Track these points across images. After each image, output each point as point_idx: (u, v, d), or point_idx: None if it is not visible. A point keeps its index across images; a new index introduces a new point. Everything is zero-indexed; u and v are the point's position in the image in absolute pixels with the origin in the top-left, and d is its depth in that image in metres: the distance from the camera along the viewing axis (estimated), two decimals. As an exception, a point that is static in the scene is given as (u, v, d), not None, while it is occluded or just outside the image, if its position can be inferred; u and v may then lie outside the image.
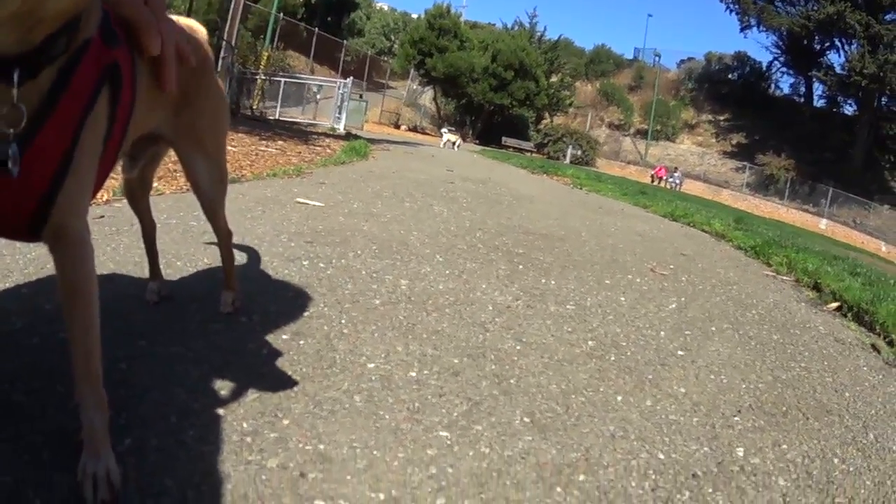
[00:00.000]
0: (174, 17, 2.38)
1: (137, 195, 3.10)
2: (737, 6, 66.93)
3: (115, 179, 4.88)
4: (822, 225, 50.97)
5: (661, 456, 2.52)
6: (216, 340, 2.88)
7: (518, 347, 3.46)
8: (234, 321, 3.12)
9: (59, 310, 2.68)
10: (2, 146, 1.53)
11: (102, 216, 4.64)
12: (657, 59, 78.37)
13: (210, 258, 4.04)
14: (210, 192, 2.86)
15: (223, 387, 2.47)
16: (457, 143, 35.22)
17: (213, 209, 2.96)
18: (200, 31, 2.73)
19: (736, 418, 3.00)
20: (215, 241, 3.16)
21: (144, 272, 3.44)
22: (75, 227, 1.79)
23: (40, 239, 1.78)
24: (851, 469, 2.70)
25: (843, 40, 60.70)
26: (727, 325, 4.59)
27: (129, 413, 2.16)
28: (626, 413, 2.86)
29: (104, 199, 5.16)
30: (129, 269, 3.68)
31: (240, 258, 4.03)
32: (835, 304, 5.93)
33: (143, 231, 3.20)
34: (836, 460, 2.75)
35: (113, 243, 4.07)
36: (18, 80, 1.50)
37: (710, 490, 2.33)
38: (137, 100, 1.99)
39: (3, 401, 2.12)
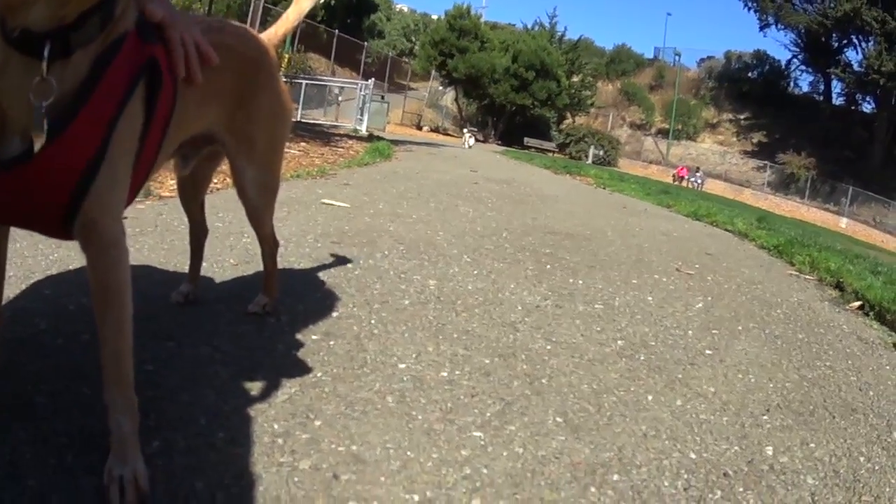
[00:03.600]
0: (223, 20, 2.37)
1: (189, 195, 3.08)
2: (755, 4, 66.63)
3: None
4: (843, 224, 50.68)
5: (693, 455, 2.51)
6: (245, 341, 2.86)
7: (548, 347, 3.43)
8: (263, 322, 3.10)
9: (83, 311, 2.67)
10: (35, 116, 1.51)
11: (126, 217, 4.57)
12: (677, 58, 78.15)
13: (236, 258, 4.03)
14: (255, 199, 2.82)
15: (253, 388, 2.45)
16: (470, 141, 35.34)
17: (258, 217, 2.93)
18: (253, 33, 2.72)
19: (764, 417, 2.99)
20: (246, 238, 3.13)
21: (169, 273, 3.43)
22: (109, 226, 1.77)
23: (72, 235, 1.75)
24: (877, 468, 2.69)
25: (860, 37, 60.29)
26: (753, 325, 4.56)
27: (158, 415, 2.13)
28: (657, 412, 2.84)
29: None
30: (153, 270, 3.67)
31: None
32: (857, 303, 5.89)
33: (192, 233, 3.18)
34: (861, 458, 2.74)
35: (137, 244, 4.06)
36: (50, 55, 1.49)
37: (741, 489, 2.32)
38: (181, 98, 1.96)
39: (27, 402, 2.11)
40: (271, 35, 2.88)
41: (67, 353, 2.49)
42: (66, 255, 3.49)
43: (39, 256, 3.49)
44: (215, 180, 6.32)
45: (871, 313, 5.60)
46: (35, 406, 2.09)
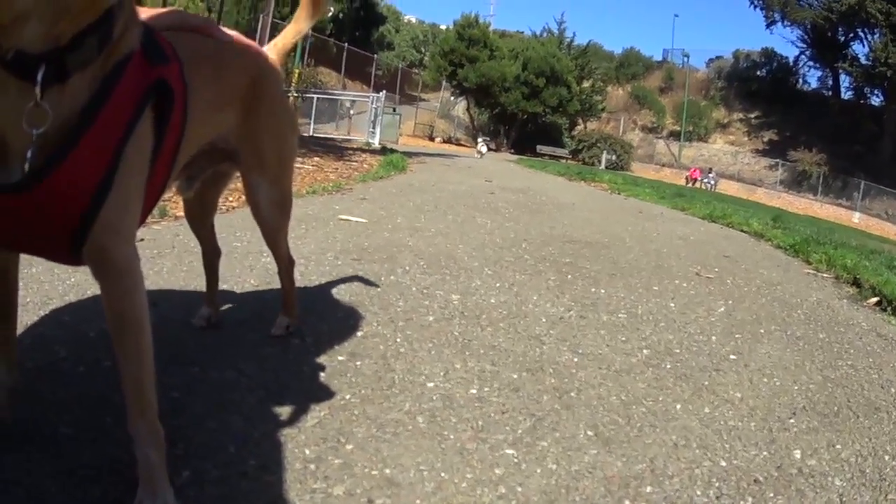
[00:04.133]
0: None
1: (197, 218, 3.07)
2: (761, 2, 66.73)
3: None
4: (856, 219, 50.62)
5: (724, 463, 2.50)
6: (271, 364, 2.84)
7: (575, 360, 3.41)
8: (288, 344, 3.08)
9: (104, 337, 2.64)
10: (23, 145, 1.48)
11: (143, 238, 4.60)
12: (686, 59, 78.10)
13: (257, 279, 4.01)
14: (270, 217, 2.81)
15: (282, 413, 2.43)
16: (482, 150, 35.37)
17: (274, 236, 2.92)
18: (257, 46, 2.71)
19: (791, 420, 2.98)
20: (266, 258, 3.12)
21: (189, 296, 3.41)
22: (121, 251, 1.73)
23: (82, 261, 1.71)
24: (901, 465, 2.68)
25: (867, 30, 60.39)
26: (775, 327, 4.55)
27: (186, 443, 2.11)
28: (686, 421, 2.83)
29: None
30: (173, 293, 3.66)
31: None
32: (875, 299, 5.87)
33: (205, 256, 3.17)
34: (887, 457, 2.74)
35: (156, 266, 4.05)
36: (44, 80, 1.45)
37: (772, 494, 2.31)
38: (190, 117, 1.94)
39: (51, 433, 2.09)
40: (274, 48, 2.87)
41: (90, 382, 2.48)
42: (83, 280, 3.48)
43: (56, 281, 3.48)
44: (231, 199, 6.33)
45: (889, 309, 5.60)
46: (59, 437, 2.07)
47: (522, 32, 73.15)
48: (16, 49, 1.43)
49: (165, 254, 4.36)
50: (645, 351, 3.70)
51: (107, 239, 1.66)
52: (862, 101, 65.84)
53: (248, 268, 4.27)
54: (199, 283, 3.34)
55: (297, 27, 2.97)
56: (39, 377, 2.42)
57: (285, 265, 3.08)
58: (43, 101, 1.46)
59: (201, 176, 2.69)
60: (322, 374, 2.80)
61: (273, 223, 2.86)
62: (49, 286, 3.41)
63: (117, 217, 1.67)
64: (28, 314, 2.94)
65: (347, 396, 2.62)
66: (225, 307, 3.41)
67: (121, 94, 1.61)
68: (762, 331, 4.40)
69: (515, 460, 2.31)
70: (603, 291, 4.94)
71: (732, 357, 3.79)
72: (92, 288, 3.40)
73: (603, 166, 51.31)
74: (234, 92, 2.41)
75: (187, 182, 2.68)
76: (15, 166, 1.50)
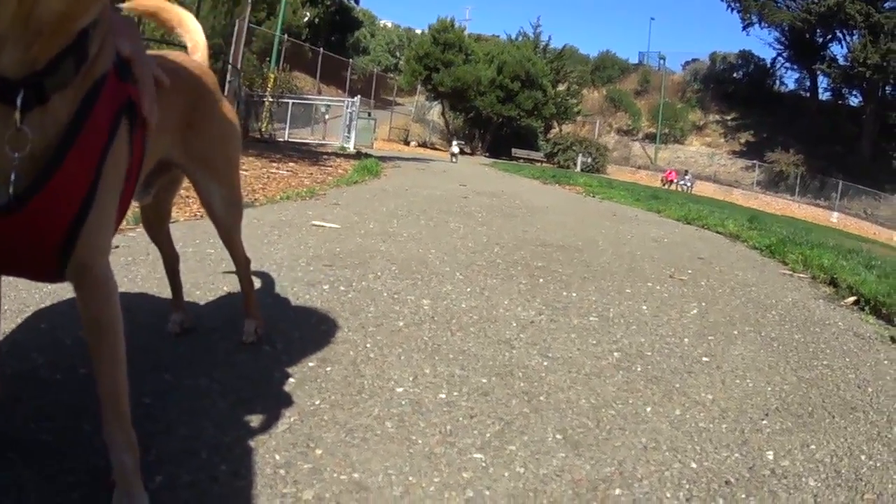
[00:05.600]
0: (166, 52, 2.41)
1: (155, 224, 3.11)
2: (738, 4, 66.79)
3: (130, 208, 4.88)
4: (834, 218, 50.82)
5: (694, 465, 2.51)
6: (242, 371, 2.86)
7: (545, 363, 3.43)
8: (259, 350, 3.11)
9: (80, 345, 2.67)
10: (6, 169, 1.50)
11: (117, 246, 4.60)
12: (662, 62, 78.24)
13: (230, 286, 4.03)
14: (224, 217, 2.87)
15: (253, 419, 2.45)
16: (454, 150, 35.17)
17: (229, 235, 2.97)
18: (196, 59, 2.75)
19: (764, 421, 3.00)
20: (233, 269, 3.15)
21: (164, 303, 3.43)
22: (100, 264, 1.78)
23: (64, 279, 1.75)
24: (878, 465, 2.70)
25: (845, 31, 60.65)
26: (749, 328, 4.58)
27: (159, 449, 2.14)
28: (656, 424, 2.85)
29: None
30: (147, 300, 3.68)
31: (259, 284, 4.03)
32: (852, 299, 5.91)
33: (165, 261, 3.20)
34: (863, 457, 2.76)
35: (129, 274, 4.08)
36: (24, 103, 1.47)
37: (744, 496, 2.33)
38: (149, 131, 1.98)
39: (30, 440, 2.11)
40: (197, 52, 2.90)
41: (67, 389, 2.50)
42: (59, 288, 3.49)
43: (33, 289, 3.49)
44: (197, 212, 6.33)
45: (867, 308, 5.63)
46: (39, 444, 2.10)
47: (498, 36, 73.06)
48: None
49: (140, 261, 4.38)
50: (616, 354, 3.72)
51: (88, 254, 1.71)
52: (840, 102, 66.15)
53: (220, 274, 4.28)
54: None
55: (199, 34, 2.97)
56: (19, 384, 2.44)
57: (242, 265, 3.13)
58: (24, 124, 1.48)
59: (155, 183, 2.73)
60: (292, 380, 2.82)
61: (227, 222, 2.92)
62: (26, 293, 3.43)
63: (99, 232, 1.72)
64: (5, 321, 2.96)
65: (317, 402, 2.65)
66: (198, 314, 3.42)
67: (99, 112, 1.64)
68: (736, 332, 4.43)
69: (483, 464, 2.34)
70: (574, 295, 4.97)
71: (705, 359, 3.81)
72: (67, 294, 3.42)
73: (578, 169, 51.38)
74: (177, 113, 2.45)
75: (144, 189, 2.71)
76: (0, 190, 1.53)
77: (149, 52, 2.19)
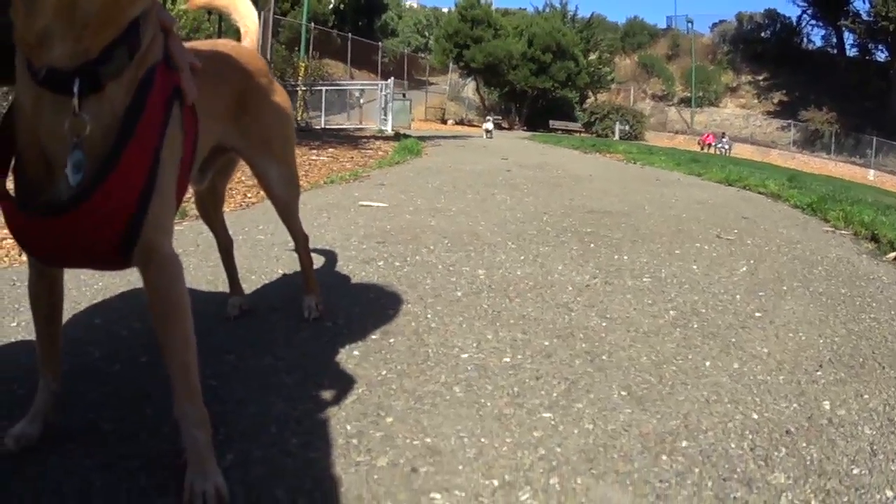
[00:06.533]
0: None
1: (210, 209, 3.15)
2: (759, -41, 66.56)
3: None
4: (871, 176, 50.20)
5: (755, 416, 2.51)
6: (305, 348, 2.88)
7: (604, 324, 3.43)
8: (320, 327, 3.12)
9: (136, 335, 2.69)
10: (67, 153, 1.54)
11: (166, 238, 4.62)
12: (690, 25, 77.49)
13: (284, 268, 4.06)
14: (284, 195, 2.93)
15: (321, 392, 2.46)
16: (488, 126, 34.52)
17: (288, 212, 3.02)
18: (245, 45, 2.79)
19: (818, 373, 2.99)
20: (291, 247, 3.16)
21: (218, 289, 3.46)
22: (165, 244, 1.81)
23: (130, 263, 1.78)
24: (928, 411, 2.69)
25: None
26: (797, 284, 4.55)
27: (229, 428, 2.15)
28: (716, 378, 2.85)
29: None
30: (202, 287, 3.71)
31: (315, 264, 4.03)
32: (893, 254, 5.85)
33: (220, 246, 3.24)
34: None
35: (182, 263, 4.08)
36: (81, 92, 1.51)
37: (804, 444, 2.32)
38: (200, 115, 1.99)
39: (93, 429, 2.13)
40: (251, 44, 2.94)
41: (126, 379, 2.53)
42: (110, 283, 3.53)
43: (83, 287, 3.54)
44: (251, 195, 6.36)
45: None
46: (102, 432, 2.12)
47: (525, 9, 72.77)
48: (47, 67, 1.49)
49: (190, 252, 4.41)
50: (671, 312, 3.72)
51: (154, 235, 1.75)
52: (867, 58, 65.44)
53: (273, 258, 4.32)
54: (224, 279, 3.38)
55: (251, 20, 2.97)
56: (78, 379, 2.46)
57: (301, 241, 3.18)
58: (82, 111, 1.52)
59: (211, 168, 2.76)
60: (356, 353, 2.83)
61: (285, 198, 2.97)
62: (77, 292, 3.46)
63: (162, 213, 1.76)
64: (61, 319, 2.99)
65: (384, 372, 2.66)
66: (256, 296, 3.44)
67: (154, 99, 1.67)
68: (785, 288, 4.41)
69: (553, 423, 2.34)
70: (626, 258, 4.95)
71: (757, 314, 3.79)
72: (118, 289, 3.46)
73: (617, 137, 51.06)
74: (229, 99, 2.50)
75: (199, 175, 2.73)
76: (62, 183, 1.56)
77: (202, 41, 2.23)
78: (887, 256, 5.79)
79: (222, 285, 3.44)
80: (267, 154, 2.76)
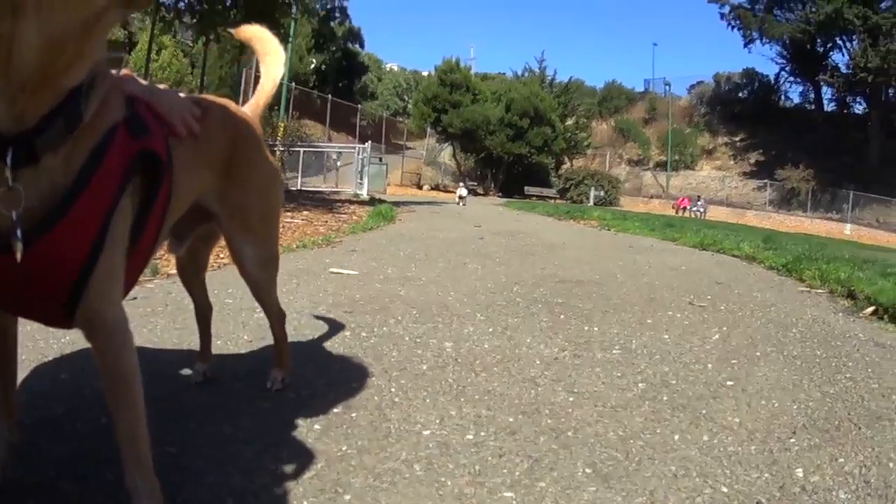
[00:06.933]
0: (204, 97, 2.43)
1: (189, 275, 3.12)
2: (738, 21, 67.45)
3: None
4: (847, 230, 50.88)
5: (725, 489, 2.49)
6: (267, 418, 2.85)
7: (571, 399, 3.41)
8: (283, 398, 3.09)
9: (99, 394, 2.66)
10: (5, 226, 1.50)
11: (136, 297, 4.65)
12: (668, 87, 78.33)
13: (250, 335, 4.04)
14: (258, 276, 2.84)
15: (279, 466, 2.43)
16: (464, 198, 34.26)
17: (261, 293, 2.96)
18: (235, 106, 2.75)
19: (791, 440, 2.99)
20: (259, 313, 3.14)
21: (184, 353, 3.44)
22: (110, 313, 1.78)
23: (74, 325, 1.76)
24: (907, 470, 2.69)
25: (845, 38, 61.30)
26: (771, 348, 4.58)
27: (185, 497, 2.13)
28: (685, 451, 2.83)
29: (138, 283, 5.19)
30: (168, 350, 3.69)
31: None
32: (870, 309, 5.94)
33: (197, 311, 3.21)
34: (891, 465, 2.75)
35: (149, 325, 4.10)
36: (15, 161, 1.47)
37: None
38: (175, 182, 1.98)
39: (52, 488, 2.11)
40: (253, 106, 2.91)
41: (88, 438, 2.50)
42: (78, 337, 3.49)
43: (51, 339, 3.52)
44: (222, 256, 6.35)
45: (886, 316, 5.70)
46: (62, 492, 2.10)
47: (504, 74, 73.55)
48: None
49: (158, 312, 4.40)
50: (641, 385, 3.71)
51: (97, 304, 1.71)
52: (845, 111, 66.61)
53: (240, 324, 4.30)
54: (192, 341, 3.37)
55: (272, 77, 2.97)
56: (38, 433, 2.45)
57: (276, 319, 3.11)
58: (17, 182, 1.48)
59: (190, 235, 2.73)
60: (318, 427, 2.80)
61: (260, 282, 2.88)
62: (44, 343, 3.46)
63: (106, 284, 1.72)
64: (24, 371, 2.96)
65: (344, 448, 2.63)
66: (220, 363, 3.42)
67: (107, 168, 1.64)
68: (758, 354, 4.43)
69: (514, 502, 2.31)
70: (596, 329, 4.96)
71: (729, 383, 3.80)
72: (86, 344, 3.44)
73: (592, 203, 51.47)
74: (214, 156, 2.45)
75: (177, 240, 2.71)
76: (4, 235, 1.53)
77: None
78: (864, 312, 5.88)
79: (188, 348, 3.43)
80: (244, 229, 2.69)
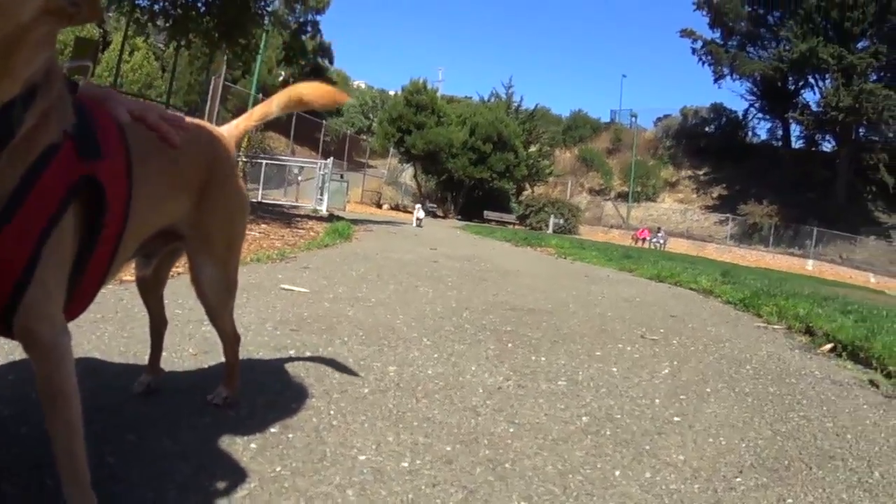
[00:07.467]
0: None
1: (149, 289, 3.10)
2: (709, 57, 68.03)
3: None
4: (809, 266, 51.35)
5: (664, 529, 2.48)
6: (206, 435, 2.85)
7: (511, 430, 3.42)
8: (222, 415, 3.09)
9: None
10: None
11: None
12: (634, 119, 78.90)
13: (196, 348, 4.03)
14: (213, 299, 2.82)
15: (214, 484, 2.44)
16: (419, 214, 34.09)
17: (217, 317, 2.94)
18: (214, 129, 2.75)
19: (738, 479, 2.99)
20: (207, 326, 3.13)
21: (129, 361, 3.42)
22: (46, 331, 1.77)
23: (14, 336, 1.77)
24: (859, 511, 2.70)
25: (817, 76, 62.02)
26: (722, 385, 4.60)
27: (120, 513, 2.11)
28: (625, 488, 2.83)
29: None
30: (114, 358, 3.67)
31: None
32: (828, 346, 5.99)
33: (152, 325, 3.20)
34: None
35: (98, 331, 4.08)
36: None
37: None
38: (137, 206, 1.98)
39: (-4, 492, 2.10)
40: (231, 129, 2.89)
41: (33, 443, 2.49)
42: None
43: (2, 340, 3.47)
44: (177, 265, 6.33)
45: (844, 354, 5.76)
46: (5, 496, 2.10)
47: (471, 98, 73.62)
48: None
49: (109, 318, 4.39)
50: (584, 418, 3.71)
51: (31, 322, 1.72)
52: (813, 149, 67.21)
53: (187, 336, 4.28)
54: (139, 350, 3.36)
55: (266, 110, 2.96)
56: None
57: (230, 341, 3.11)
58: None
59: (159, 254, 2.73)
60: (254, 446, 2.81)
61: (216, 306, 2.87)
62: (-9, 347, 3.43)
63: (41, 303, 1.72)
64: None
65: (278, 469, 2.63)
66: (164, 375, 3.41)
67: (42, 189, 1.63)
68: (708, 390, 4.45)
69: (444, 534, 2.33)
70: (543, 359, 4.97)
71: (676, 419, 3.81)
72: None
73: (551, 230, 51.52)
74: (191, 179, 2.46)
75: (145, 260, 2.72)
76: None
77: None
78: (822, 349, 5.92)
79: (134, 357, 3.43)
80: (208, 253, 2.69)
